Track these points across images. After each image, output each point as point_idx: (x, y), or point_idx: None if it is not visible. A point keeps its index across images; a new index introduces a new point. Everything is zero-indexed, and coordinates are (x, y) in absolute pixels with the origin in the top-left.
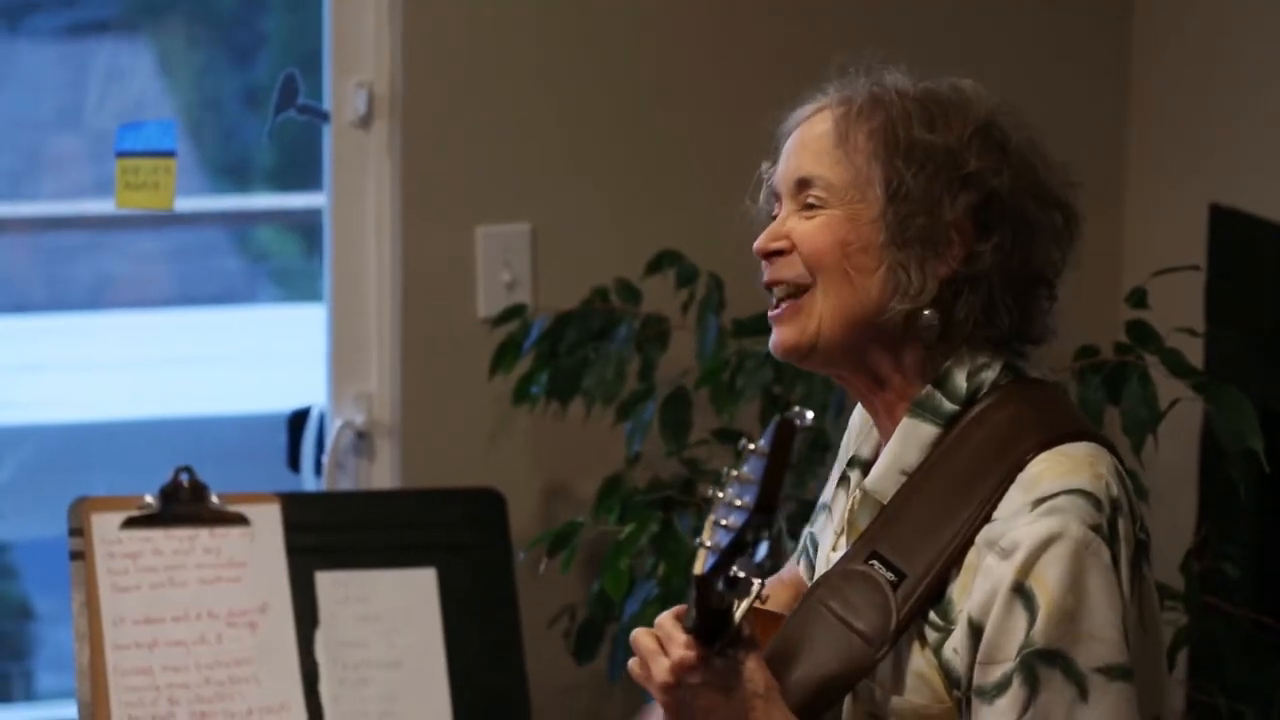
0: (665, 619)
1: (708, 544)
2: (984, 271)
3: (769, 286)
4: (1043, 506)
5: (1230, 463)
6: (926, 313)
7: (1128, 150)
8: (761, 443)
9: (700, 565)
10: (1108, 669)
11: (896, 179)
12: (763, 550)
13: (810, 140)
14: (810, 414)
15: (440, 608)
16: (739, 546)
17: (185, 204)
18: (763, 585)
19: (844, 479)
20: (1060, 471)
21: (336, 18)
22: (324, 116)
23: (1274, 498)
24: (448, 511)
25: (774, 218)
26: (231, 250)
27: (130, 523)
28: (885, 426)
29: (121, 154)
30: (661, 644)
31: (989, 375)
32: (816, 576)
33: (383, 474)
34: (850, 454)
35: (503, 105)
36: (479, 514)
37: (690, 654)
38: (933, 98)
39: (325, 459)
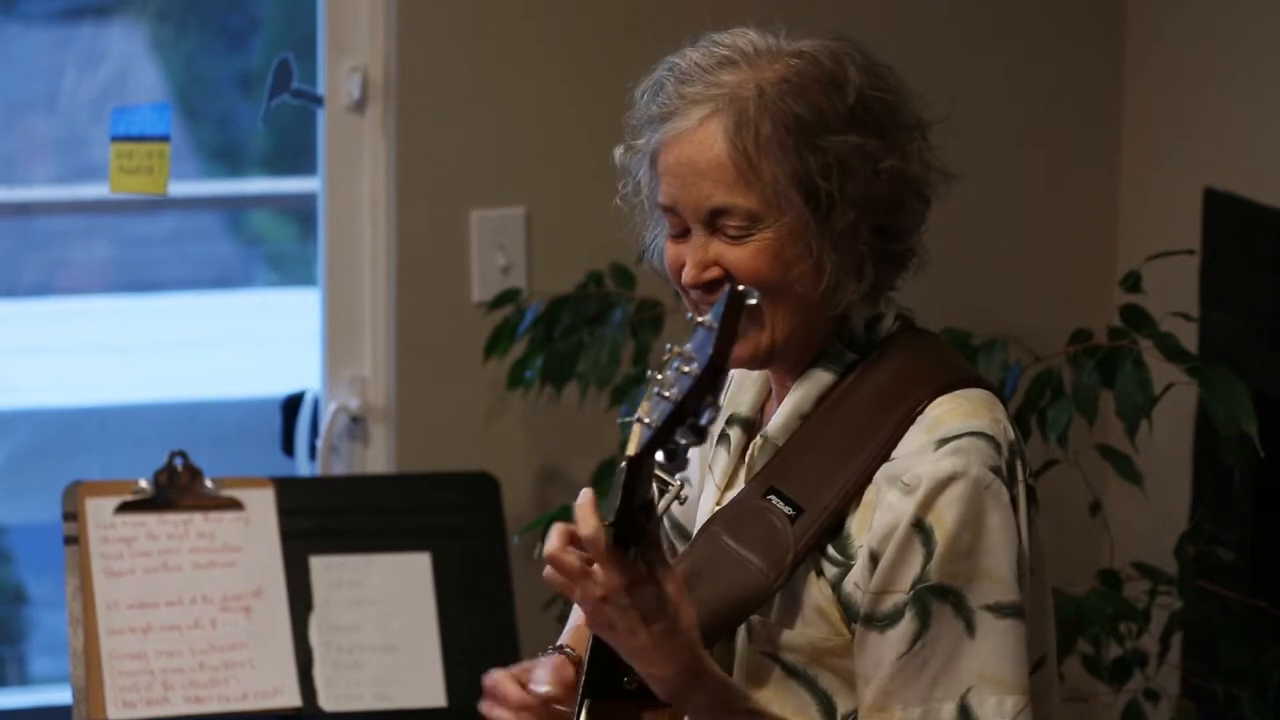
0: (597, 532)
1: (645, 420)
2: (901, 238)
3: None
4: (947, 446)
5: (1224, 447)
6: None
7: (1122, 134)
8: (709, 317)
9: (634, 445)
10: (997, 607)
11: (816, 194)
12: (706, 416)
13: (708, 169)
14: (757, 294)
15: (434, 592)
16: (681, 415)
17: (179, 188)
18: (684, 484)
19: (723, 437)
20: (961, 414)
21: (330, 2)
22: (318, 101)
23: (1268, 482)
24: (442, 496)
25: (675, 236)
26: (226, 235)
27: (124, 507)
28: (787, 383)
29: (116, 138)
30: (589, 562)
31: (885, 325)
32: (698, 526)
33: (377, 458)
34: (727, 415)
35: (497, 89)
36: (473, 498)
37: (622, 577)
38: (801, 83)
39: (319, 443)
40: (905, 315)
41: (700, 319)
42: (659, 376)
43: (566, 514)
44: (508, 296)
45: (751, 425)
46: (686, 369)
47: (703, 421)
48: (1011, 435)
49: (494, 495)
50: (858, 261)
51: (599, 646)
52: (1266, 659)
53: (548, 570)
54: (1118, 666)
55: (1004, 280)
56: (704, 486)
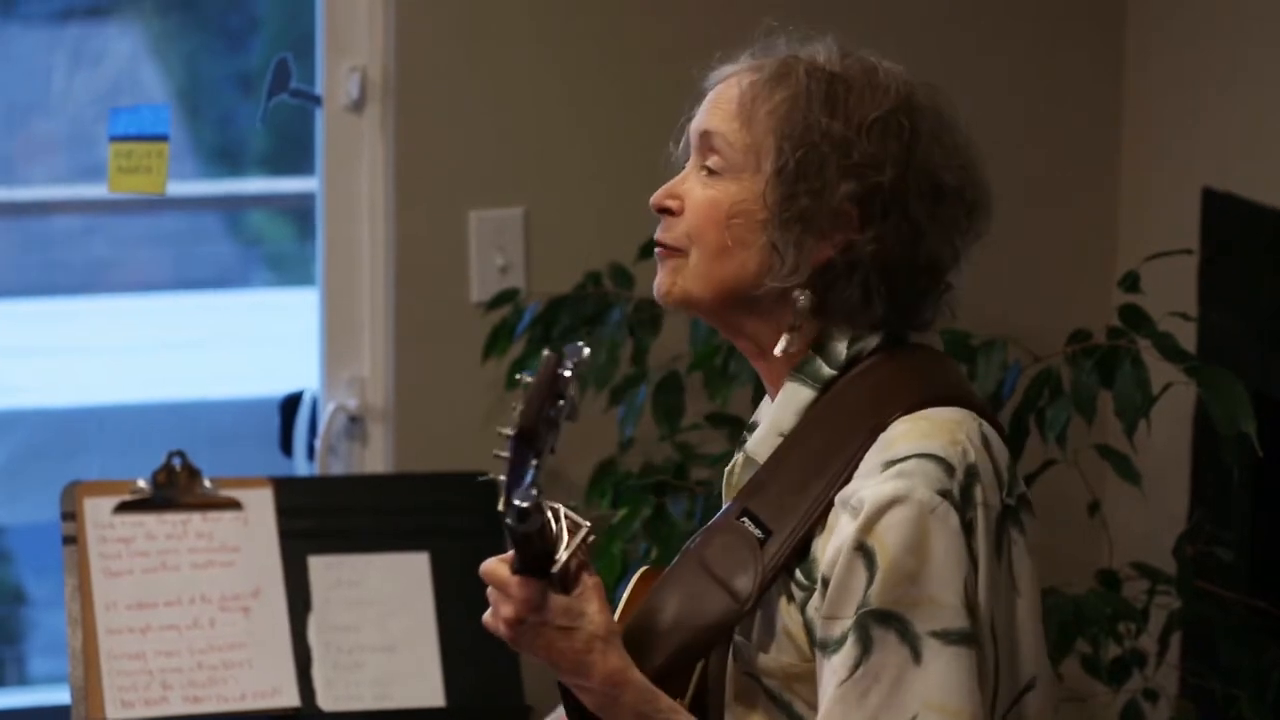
0: (493, 564)
1: (500, 479)
2: (860, 260)
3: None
4: (892, 469)
5: (1223, 447)
6: (798, 293)
7: (1121, 134)
8: (530, 376)
9: (501, 502)
10: (944, 633)
11: (784, 159)
12: (529, 477)
13: (722, 101)
14: (587, 350)
15: (433, 592)
16: (512, 477)
17: (178, 188)
18: (589, 529)
19: (742, 443)
20: (916, 435)
21: (329, 2)
22: (317, 101)
23: (1267, 482)
24: (440, 496)
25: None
26: (224, 234)
27: (123, 507)
28: (773, 394)
29: (114, 138)
30: (499, 587)
31: (870, 343)
32: None
33: (375, 458)
34: (750, 423)
35: (495, 89)
36: (472, 498)
37: (529, 593)
38: (842, 78)
39: (318, 443)
40: (898, 334)
41: (525, 379)
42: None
43: None
44: (506, 297)
45: None
46: (508, 432)
47: (526, 482)
48: (973, 459)
49: (492, 495)
50: (794, 252)
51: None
52: (1266, 659)
53: (486, 615)
54: (1116, 666)
55: (1003, 280)
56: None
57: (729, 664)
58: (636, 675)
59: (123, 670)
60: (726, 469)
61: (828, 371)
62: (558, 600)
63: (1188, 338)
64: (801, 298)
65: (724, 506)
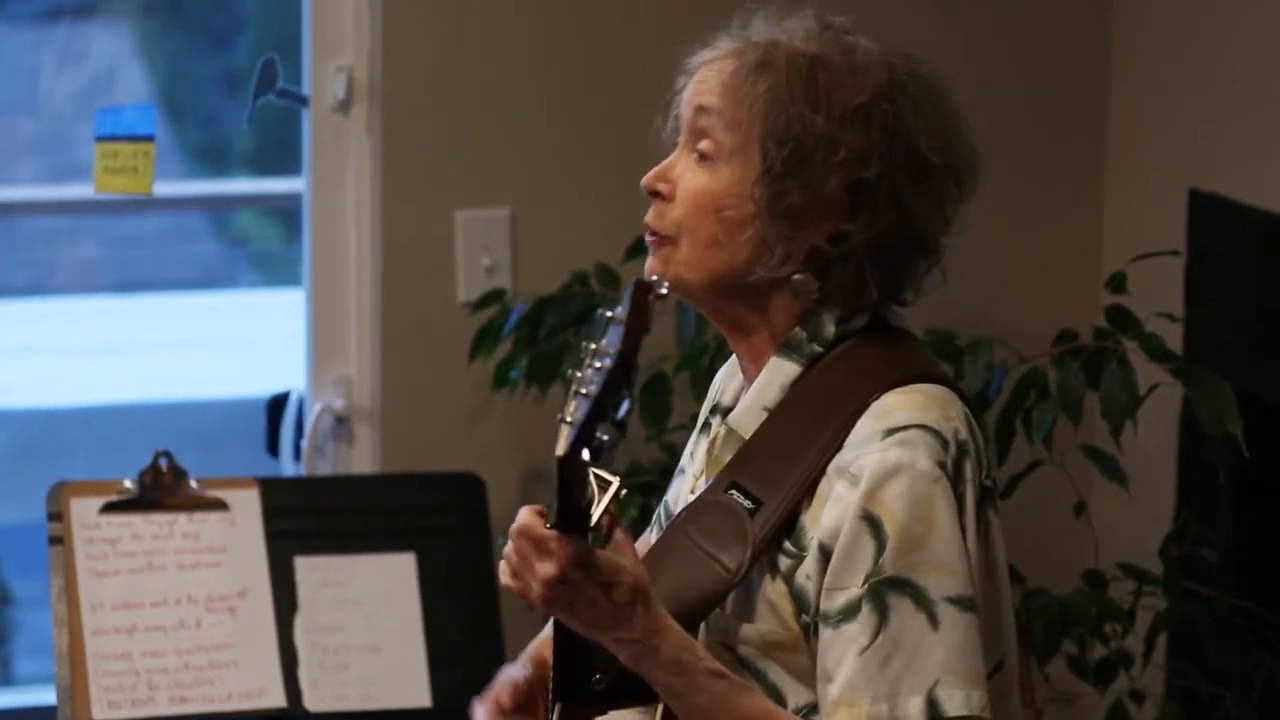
0: (528, 521)
1: (568, 419)
2: (853, 248)
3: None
4: (893, 437)
5: (1209, 448)
6: (798, 276)
7: (1108, 135)
8: (619, 310)
9: (562, 444)
10: (958, 599)
11: (770, 158)
12: (624, 409)
13: (709, 84)
14: (666, 284)
15: (419, 592)
16: (600, 411)
17: (165, 189)
18: (622, 483)
19: (705, 426)
20: (912, 406)
21: (316, 2)
22: (303, 101)
23: (1253, 483)
24: (427, 496)
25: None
26: (211, 235)
27: (109, 507)
28: (750, 371)
29: (101, 138)
30: (537, 545)
31: (857, 323)
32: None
33: (362, 459)
34: (712, 404)
35: (482, 89)
36: (459, 498)
37: (574, 549)
38: (822, 62)
39: (304, 444)
40: (880, 313)
41: (610, 313)
42: (578, 375)
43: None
44: (493, 297)
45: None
46: (599, 364)
47: (620, 415)
48: (963, 435)
49: (479, 495)
50: (784, 244)
51: (565, 649)
52: (1251, 659)
53: (502, 566)
54: (1102, 667)
55: (990, 281)
56: (685, 477)
57: (701, 634)
58: (675, 625)
59: (109, 671)
60: (705, 446)
61: (814, 348)
62: (599, 555)
63: (1174, 339)
64: (800, 279)
65: (706, 483)
